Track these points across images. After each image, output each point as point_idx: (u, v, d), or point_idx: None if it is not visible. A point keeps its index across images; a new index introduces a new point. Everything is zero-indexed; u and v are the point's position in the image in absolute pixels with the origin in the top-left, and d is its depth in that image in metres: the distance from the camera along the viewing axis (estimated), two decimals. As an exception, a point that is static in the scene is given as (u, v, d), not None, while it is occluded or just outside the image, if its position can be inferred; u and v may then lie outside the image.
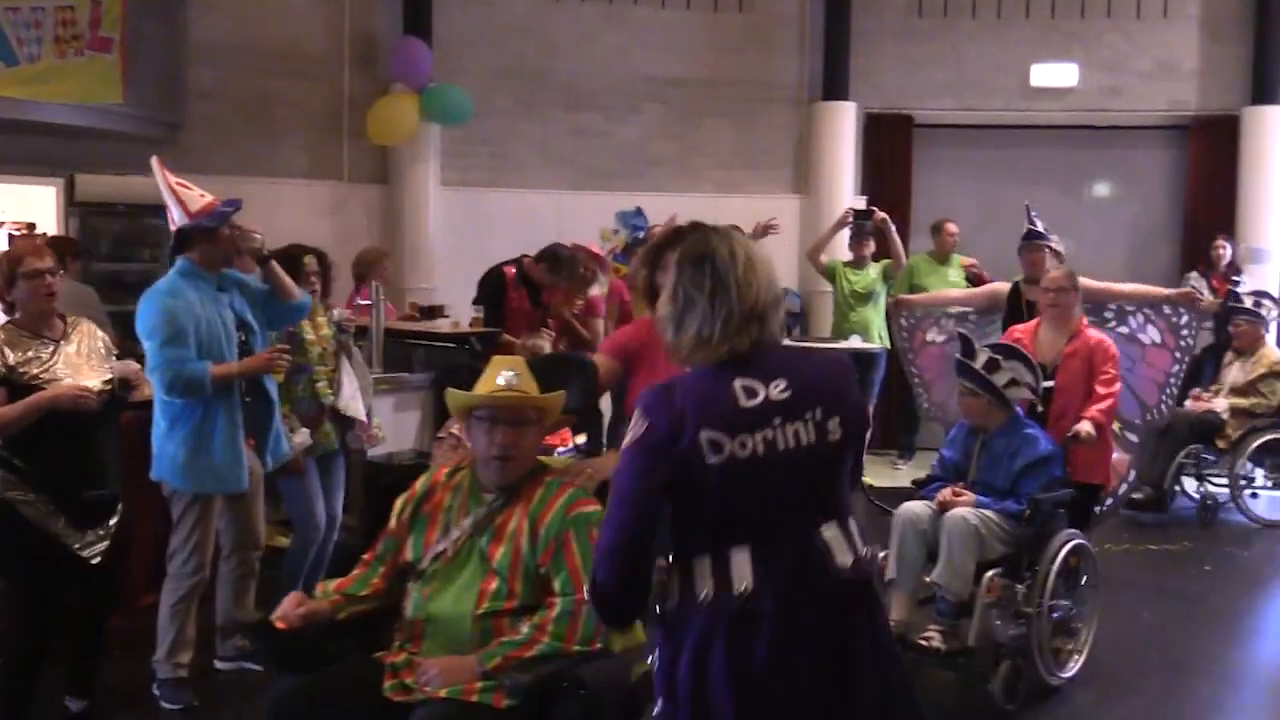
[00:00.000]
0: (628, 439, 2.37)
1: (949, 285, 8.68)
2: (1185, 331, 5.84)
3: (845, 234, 9.10)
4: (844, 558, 2.39)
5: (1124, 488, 6.09)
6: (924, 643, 4.62)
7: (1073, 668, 5.03)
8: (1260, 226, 9.91)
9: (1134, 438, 6.04)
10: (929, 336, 6.21)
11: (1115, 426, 5.80)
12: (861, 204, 9.66)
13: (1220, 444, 7.83)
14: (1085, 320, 5.40)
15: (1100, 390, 5.13)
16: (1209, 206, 10.14)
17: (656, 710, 2.44)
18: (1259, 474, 8.12)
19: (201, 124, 9.07)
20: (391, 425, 6.73)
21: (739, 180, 10.38)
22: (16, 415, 3.98)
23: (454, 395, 3.31)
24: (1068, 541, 4.88)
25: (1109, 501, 5.87)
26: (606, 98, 10.22)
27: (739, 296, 2.39)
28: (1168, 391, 5.90)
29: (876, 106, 10.47)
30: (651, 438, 2.33)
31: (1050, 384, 5.16)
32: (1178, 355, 5.85)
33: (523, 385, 3.20)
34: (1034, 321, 5.51)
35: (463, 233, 9.56)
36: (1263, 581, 7.05)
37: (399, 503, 3.34)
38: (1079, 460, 5.09)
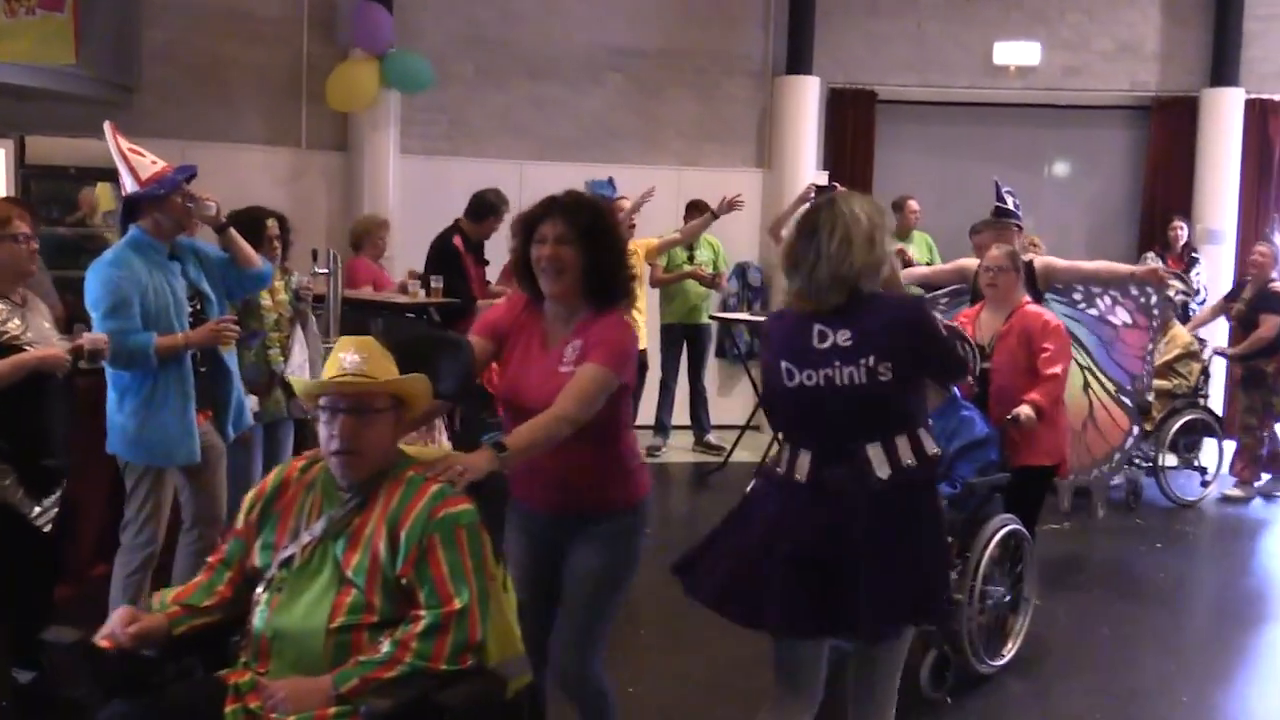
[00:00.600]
0: None
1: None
2: (1155, 311, 5.86)
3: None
4: (882, 470, 3.09)
5: (1129, 442, 6.14)
6: None
7: (1006, 656, 4.91)
8: (1217, 208, 10.01)
9: (1128, 401, 6.04)
10: None
11: (1110, 389, 5.83)
12: (823, 179, 9.60)
13: (1147, 426, 7.79)
14: (1027, 300, 5.28)
15: (1043, 371, 4.98)
16: (1167, 187, 10.23)
17: None
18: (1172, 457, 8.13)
19: (156, 87, 8.93)
20: (348, 396, 6.69)
21: (701, 153, 10.34)
22: (6, 372, 3.94)
23: (296, 382, 3.08)
24: (1002, 527, 4.72)
25: (1115, 456, 6.04)
26: (569, 67, 10.14)
27: (831, 266, 3.09)
28: (1147, 362, 5.97)
29: (840, 82, 10.44)
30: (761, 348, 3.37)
31: (987, 365, 5.05)
32: (1151, 333, 5.89)
33: (371, 369, 2.78)
34: (980, 303, 5.43)
35: (422, 202, 9.45)
36: (1195, 559, 7.15)
37: (248, 499, 2.95)
38: (1021, 443, 4.96)
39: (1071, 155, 10.92)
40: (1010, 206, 6.35)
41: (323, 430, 2.78)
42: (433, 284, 7.04)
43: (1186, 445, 8.14)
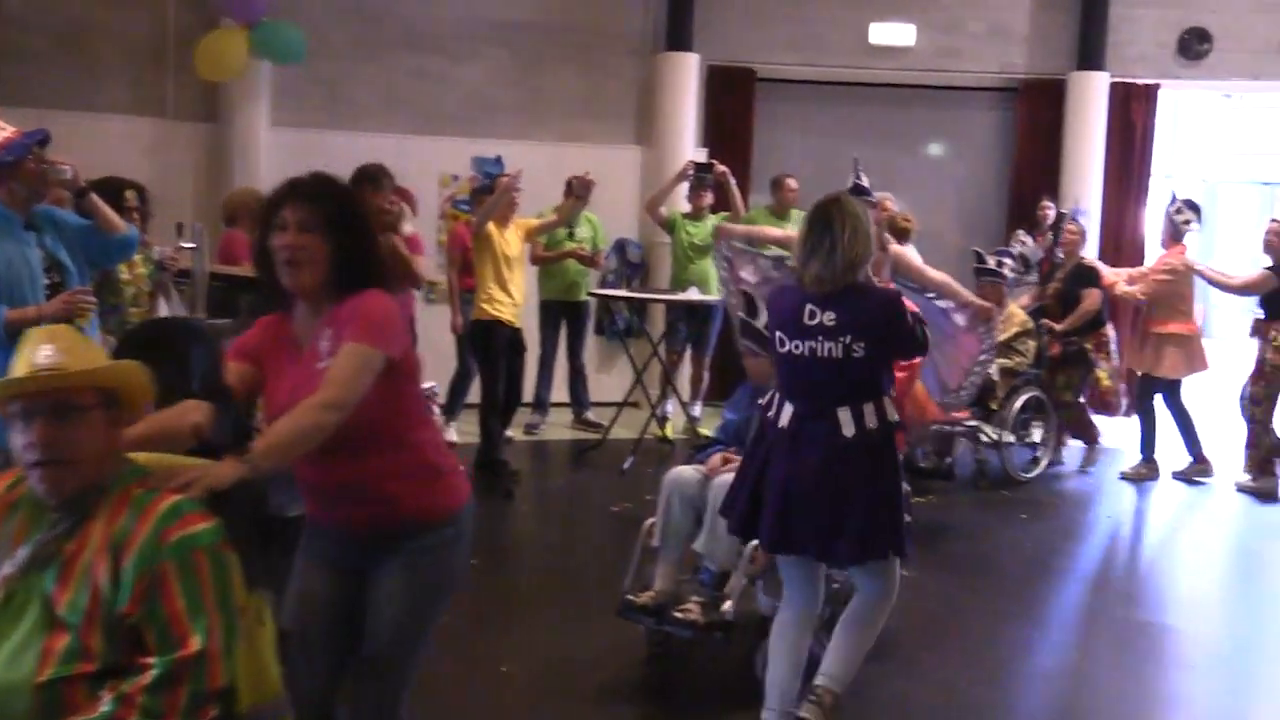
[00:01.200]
0: None
1: (787, 240, 8.74)
2: (984, 333, 5.90)
3: (685, 186, 9.11)
4: (848, 430, 3.70)
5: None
6: (681, 615, 4.34)
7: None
8: (1083, 188, 10.27)
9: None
10: (743, 274, 5.93)
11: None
12: (702, 157, 9.67)
13: (993, 405, 7.94)
14: (890, 283, 5.33)
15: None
16: (1035, 168, 10.47)
17: None
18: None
19: (13, 53, 8.58)
20: (215, 373, 6.52)
21: (582, 129, 10.27)
22: None
23: None
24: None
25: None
26: (448, 40, 10.00)
27: (846, 255, 3.68)
28: (971, 377, 5.97)
29: (720, 59, 10.45)
30: None
31: None
32: (984, 346, 5.93)
33: (66, 360, 2.27)
34: None
35: (295, 174, 9.24)
36: (1055, 531, 7.35)
37: None
38: None
39: (945, 136, 11.12)
40: (865, 184, 6.40)
41: (18, 440, 2.29)
42: (304, 259, 6.87)
43: (1021, 423, 8.20)
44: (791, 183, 9.47)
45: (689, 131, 10.27)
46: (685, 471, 4.69)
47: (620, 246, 10.13)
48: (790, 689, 3.86)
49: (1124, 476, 8.35)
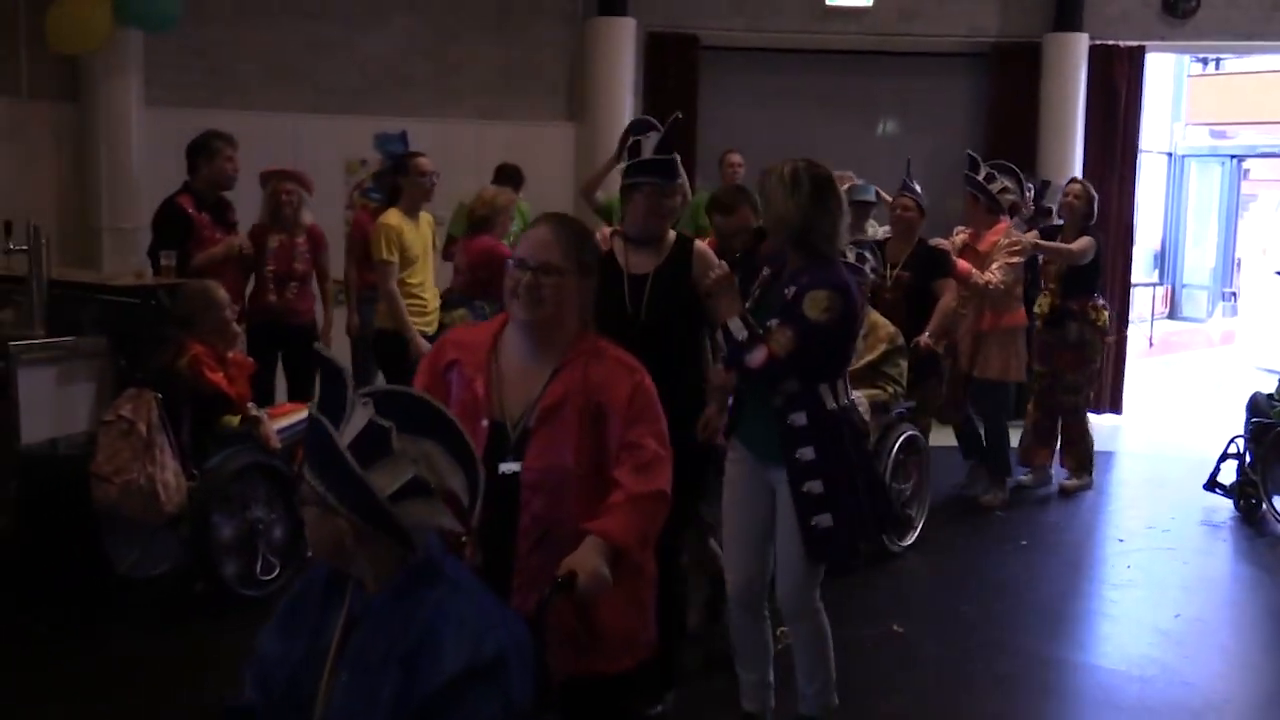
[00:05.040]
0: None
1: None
2: None
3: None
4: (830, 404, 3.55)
5: None
6: None
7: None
8: (1062, 157, 9.35)
9: None
10: None
11: None
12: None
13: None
14: None
15: None
16: (1009, 137, 9.48)
17: None
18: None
19: None
20: (55, 403, 5.35)
21: (504, 105, 9.21)
22: None
23: None
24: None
25: None
26: (348, 6, 8.86)
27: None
28: None
29: (658, 25, 9.44)
30: None
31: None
32: None
33: None
34: None
35: (174, 162, 7.96)
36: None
37: None
38: None
39: (909, 106, 10.11)
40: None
41: None
42: (163, 261, 5.69)
43: (896, 472, 5.95)
44: (735, 158, 8.47)
45: (625, 105, 9.21)
46: None
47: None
48: None
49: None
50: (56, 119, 8.19)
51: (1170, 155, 17.02)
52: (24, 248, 5.57)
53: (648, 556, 2.77)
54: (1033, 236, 7.05)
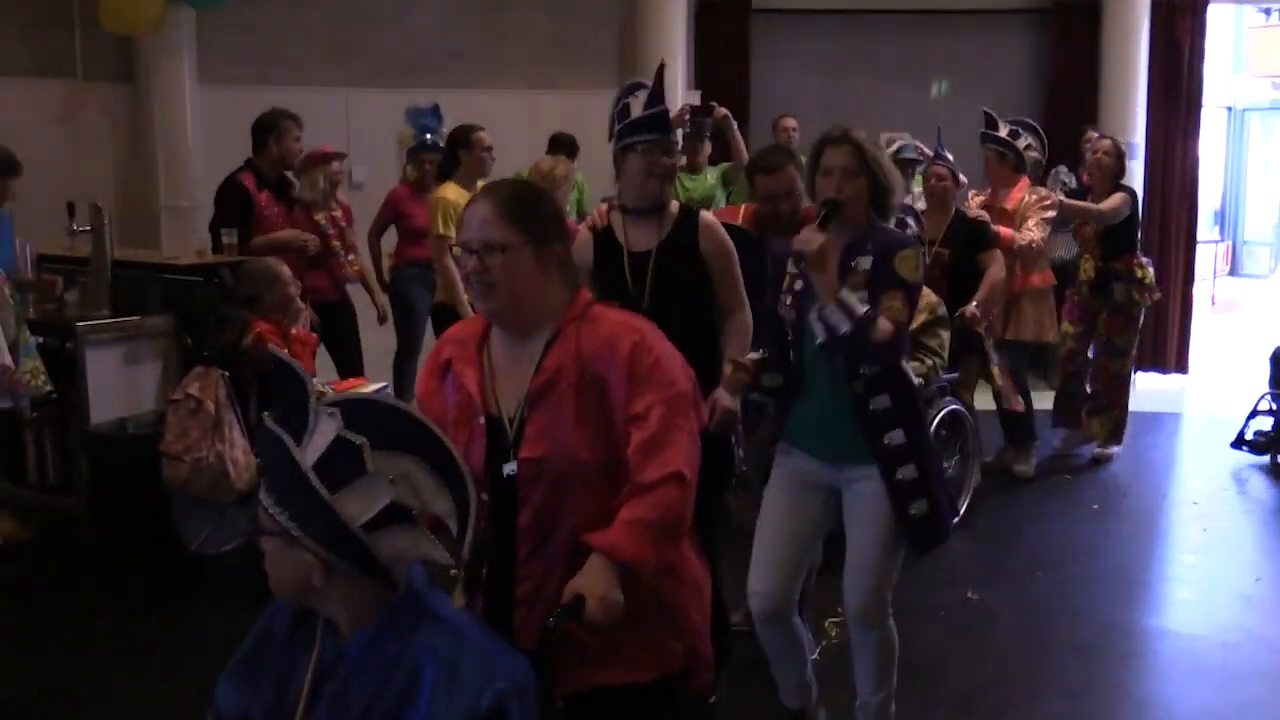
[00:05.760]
0: None
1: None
2: None
3: (679, 135, 7.92)
4: None
5: None
6: None
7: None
8: (1126, 117, 9.11)
9: None
10: None
11: None
12: (696, 100, 8.49)
13: None
14: None
15: None
16: (1070, 99, 9.30)
17: None
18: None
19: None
20: (122, 383, 5.38)
21: (554, 74, 9.10)
22: None
23: None
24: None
25: None
26: (398, -23, 8.80)
27: None
28: None
29: (709, -11, 9.27)
30: None
31: None
32: None
33: None
34: None
35: (229, 140, 7.92)
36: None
37: None
38: None
39: (967, 67, 9.87)
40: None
41: None
42: (224, 238, 5.69)
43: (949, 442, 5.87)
44: (789, 122, 8.37)
45: (678, 73, 9.05)
46: None
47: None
48: None
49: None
50: (111, 100, 8.20)
51: (1230, 109, 16.65)
52: (87, 228, 5.61)
53: (680, 553, 2.41)
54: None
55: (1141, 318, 7.02)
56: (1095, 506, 6.30)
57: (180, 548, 5.06)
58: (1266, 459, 6.95)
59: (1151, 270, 6.94)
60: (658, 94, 3.67)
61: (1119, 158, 6.78)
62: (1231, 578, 5.34)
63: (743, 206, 4.56)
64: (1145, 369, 9.25)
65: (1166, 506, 6.55)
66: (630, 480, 2.24)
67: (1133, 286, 6.78)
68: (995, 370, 6.00)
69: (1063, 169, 8.27)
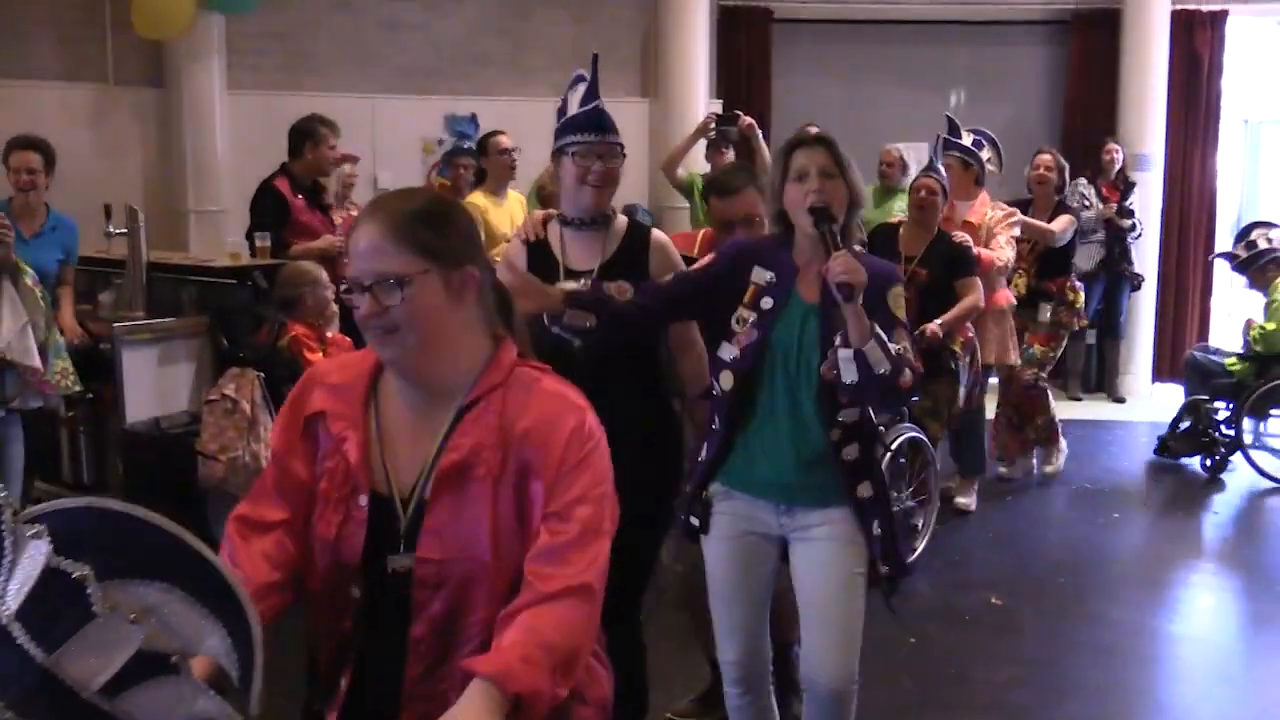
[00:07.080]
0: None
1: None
2: None
3: (703, 143, 7.98)
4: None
5: None
6: None
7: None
8: (1145, 128, 9.16)
9: None
10: None
11: None
12: (719, 108, 8.57)
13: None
14: None
15: None
16: (1089, 110, 9.35)
17: None
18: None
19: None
20: (157, 383, 5.46)
21: (579, 82, 9.15)
22: None
23: None
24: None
25: None
26: (424, -15, 8.88)
27: None
28: None
29: (732, -1, 9.34)
30: None
31: None
32: None
33: None
34: None
35: (257, 145, 8.04)
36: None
37: None
38: None
39: (987, 76, 9.94)
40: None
41: None
42: (258, 242, 5.77)
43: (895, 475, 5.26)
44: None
45: (700, 80, 9.15)
46: None
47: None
48: None
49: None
50: (141, 104, 8.30)
51: (1247, 122, 16.65)
52: (123, 231, 5.70)
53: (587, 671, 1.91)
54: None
55: (1066, 340, 6.78)
56: (1116, 515, 6.34)
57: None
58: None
59: (1083, 295, 6.80)
60: (593, 89, 3.21)
61: (1062, 173, 6.60)
62: (1251, 584, 5.39)
63: (700, 232, 4.23)
64: (1164, 380, 9.31)
65: (1186, 515, 6.58)
66: (526, 585, 1.77)
67: (1062, 309, 6.58)
68: (962, 394, 5.53)
69: (1082, 181, 8.31)
